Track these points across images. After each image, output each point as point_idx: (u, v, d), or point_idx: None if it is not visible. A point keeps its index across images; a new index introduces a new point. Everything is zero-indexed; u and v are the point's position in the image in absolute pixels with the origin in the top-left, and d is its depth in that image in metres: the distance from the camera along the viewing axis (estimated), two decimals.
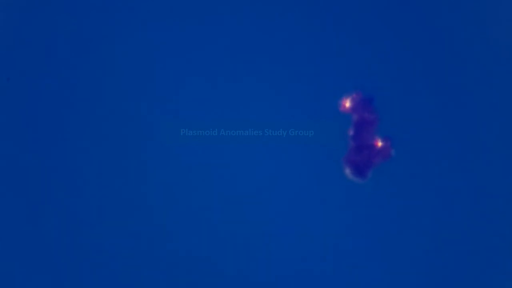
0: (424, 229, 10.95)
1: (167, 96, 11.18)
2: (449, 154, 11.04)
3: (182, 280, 10.95)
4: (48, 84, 11.23)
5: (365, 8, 11.29)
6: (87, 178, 11.06)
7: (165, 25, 11.31)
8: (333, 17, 11.31)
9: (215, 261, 10.96)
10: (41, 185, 11.07)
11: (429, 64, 11.18)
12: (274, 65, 11.22)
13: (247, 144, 11.09)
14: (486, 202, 10.94)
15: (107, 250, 10.96)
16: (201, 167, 11.08)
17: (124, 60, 11.24)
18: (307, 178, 11.03)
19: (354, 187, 11.01)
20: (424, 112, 11.09)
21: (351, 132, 10.96)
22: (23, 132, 11.16)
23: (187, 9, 11.34)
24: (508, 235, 10.91)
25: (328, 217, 10.98)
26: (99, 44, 11.28)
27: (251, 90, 11.17)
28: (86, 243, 10.98)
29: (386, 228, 10.97)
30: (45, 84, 11.23)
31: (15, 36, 11.31)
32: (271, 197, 11.01)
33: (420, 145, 11.02)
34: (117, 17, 11.33)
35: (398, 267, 10.91)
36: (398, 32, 11.25)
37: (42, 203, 11.04)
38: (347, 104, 11.02)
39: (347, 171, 10.91)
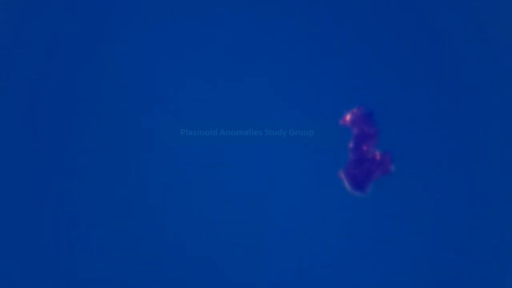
0: (423, 234, 10.94)
1: (167, 96, 11.17)
2: (451, 168, 11.02)
3: (182, 280, 10.94)
4: (48, 84, 11.24)
5: (372, 15, 11.28)
6: (87, 178, 11.06)
7: (165, 25, 11.30)
8: (334, 17, 11.30)
9: (215, 261, 10.95)
10: (41, 185, 11.07)
11: (435, 78, 11.16)
12: (274, 65, 11.21)
13: (247, 144, 11.08)
14: (488, 218, 10.93)
15: (107, 250, 10.96)
16: (201, 167, 11.07)
17: (124, 60, 11.24)
18: (308, 178, 11.02)
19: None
20: (427, 126, 11.07)
21: (351, 145, 10.95)
22: (23, 132, 11.16)
23: (187, 9, 11.34)
24: (509, 251, 10.90)
25: (328, 217, 10.98)
26: (99, 44, 11.29)
27: (251, 90, 11.16)
28: (86, 243, 10.98)
29: (386, 229, 10.96)
30: (45, 84, 11.24)
31: (15, 36, 11.31)
32: (271, 197, 11.01)
33: (421, 160, 11.01)
34: (117, 17, 11.33)
35: (397, 271, 10.90)
36: (405, 44, 11.23)
37: (42, 203, 11.05)
38: (348, 117, 11.01)
39: (346, 185, 10.89)
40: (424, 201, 10.94)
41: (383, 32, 11.24)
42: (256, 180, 11.02)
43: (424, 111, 11.09)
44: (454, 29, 11.23)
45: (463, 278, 10.85)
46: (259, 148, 11.07)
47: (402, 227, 10.92)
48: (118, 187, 11.03)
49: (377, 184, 10.97)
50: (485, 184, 10.95)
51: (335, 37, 11.24)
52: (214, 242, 10.95)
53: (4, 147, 11.13)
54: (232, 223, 10.98)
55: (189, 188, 11.03)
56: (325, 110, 11.12)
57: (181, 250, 10.95)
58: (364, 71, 11.18)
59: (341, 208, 10.97)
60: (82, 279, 10.95)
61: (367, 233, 10.93)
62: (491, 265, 10.87)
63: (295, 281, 10.91)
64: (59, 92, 11.22)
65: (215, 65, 11.22)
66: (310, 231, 10.95)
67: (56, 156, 11.10)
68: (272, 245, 10.93)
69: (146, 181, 11.04)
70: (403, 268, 10.88)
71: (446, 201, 10.94)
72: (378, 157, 10.89)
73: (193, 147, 11.10)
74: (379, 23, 11.26)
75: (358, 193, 10.90)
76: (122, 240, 10.96)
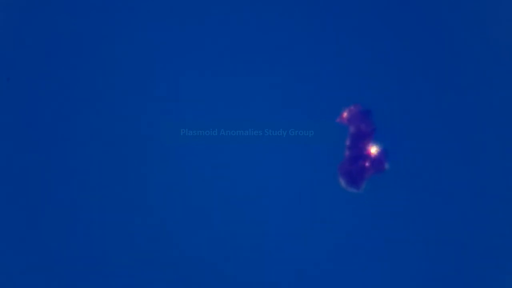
0: (420, 231, 10.94)
1: (167, 96, 11.17)
2: (447, 165, 11.03)
3: (183, 280, 10.94)
4: (48, 84, 11.23)
5: (371, 13, 11.28)
6: (87, 177, 11.06)
7: (165, 25, 11.30)
8: (334, 17, 11.30)
9: (215, 261, 10.95)
10: (41, 185, 11.07)
11: (432, 77, 11.17)
12: (274, 65, 11.21)
13: (247, 144, 11.08)
14: (484, 215, 10.93)
15: (107, 250, 10.96)
16: (201, 167, 11.07)
17: (124, 60, 11.24)
18: (308, 178, 11.02)
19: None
20: (423, 124, 11.08)
21: (347, 143, 10.97)
22: (23, 132, 11.16)
23: (187, 9, 11.34)
24: (509, 253, 10.91)
25: (328, 217, 10.98)
26: (99, 44, 11.28)
27: (251, 90, 11.16)
28: (86, 243, 10.97)
29: (386, 230, 10.97)
30: (45, 84, 11.23)
31: (15, 36, 11.30)
32: (271, 197, 11.01)
33: (416, 158, 11.01)
34: (117, 17, 11.33)
35: (394, 268, 10.91)
36: (404, 42, 11.24)
37: (42, 203, 11.04)
38: (345, 115, 11.02)
39: (342, 181, 10.91)
40: (421, 199, 10.95)
41: (380, 30, 11.24)
42: (256, 180, 11.02)
43: (421, 110, 11.09)
44: (451, 25, 11.23)
45: (461, 275, 10.85)
46: (259, 148, 11.07)
47: (400, 225, 10.93)
48: (118, 187, 11.03)
49: (374, 182, 10.98)
50: (481, 182, 10.95)
51: (334, 37, 11.24)
52: (215, 241, 10.95)
53: (4, 147, 11.13)
54: (232, 222, 10.98)
55: (189, 188, 11.03)
56: (325, 110, 11.12)
57: (181, 250, 10.95)
58: (363, 70, 11.18)
59: (340, 208, 10.97)
60: (82, 279, 10.95)
61: (366, 232, 10.93)
62: (488, 262, 10.87)
63: (295, 281, 10.91)
64: (59, 92, 11.22)
65: (215, 65, 11.22)
66: (310, 231, 10.95)
67: (56, 156, 11.10)
68: (272, 245, 10.93)
69: (146, 181, 11.04)
70: (400, 265, 10.89)
71: (441, 199, 10.94)
72: (373, 155, 10.92)
73: (193, 147, 11.10)
74: (377, 22, 11.26)
75: (353, 189, 10.92)
76: (122, 240, 10.96)
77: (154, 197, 11.02)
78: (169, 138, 11.10)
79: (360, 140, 10.96)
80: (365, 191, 10.98)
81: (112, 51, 11.25)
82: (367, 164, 10.90)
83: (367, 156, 10.92)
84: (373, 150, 10.93)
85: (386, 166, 10.94)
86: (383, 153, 10.95)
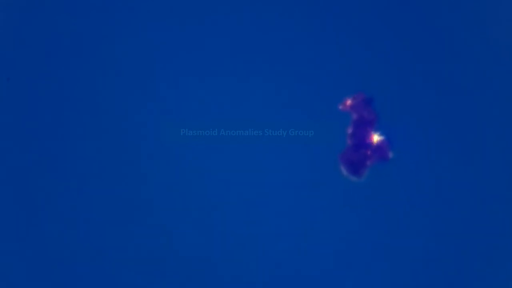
0: (421, 228, 10.94)
1: (167, 96, 11.17)
2: (450, 156, 11.03)
3: (183, 280, 10.94)
4: (48, 84, 11.24)
5: (367, 8, 11.28)
6: (87, 178, 11.06)
7: (165, 25, 11.30)
8: (334, 16, 11.30)
9: (216, 261, 10.95)
10: (41, 185, 11.07)
11: (433, 68, 11.16)
12: (274, 65, 11.21)
13: (247, 144, 11.08)
14: (486, 207, 10.92)
15: (106, 250, 10.96)
16: (201, 167, 11.07)
17: (124, 59, 11.24)
18: (308, 178, 11.02)
19: (355, 188, 11.00)
20: (425, 114, 11.08)
21: (349, 131, 10.97)
22: (23, 132, 11.16)
23: (187, 9, 11.34)
24: (508, 241, 10.90)
25: (328, 217, 10.98)
26: (99, 44, 11.29)
27: (251, 90, 11.16)
28: (85, 243, 10.98)
29: (386, 230, 10.96)
30: (45, 84, 11.24)
31: (15, 36, 11.31)
32: (272, 197, 11.01)
33: (420, 146, 11.01)
34: (117, 17, 11.34)
35: (397, 268, 10.90)
36: (401, 33, 11.23)
37: (42, 203, 11.05)
38: (348, 102, 11.02)
39: (343, 169, 10.91)
40: (423, 189, 10.94)
41: (381, 25, 11.24)
42: (256, 180, 11.02)
43: (423, 99, 11.09)
44: (454, 14, 11.23)
45: (460, 269, 10.85)
46: (259, 148, 11.07)
47: (402, 218, 10.92)
48: (118, 187, 11.03)
49: (377, 185, 10.98)
50: (487, 171, 10.95)
51: (334, 35, 11.24)
52: (215, 241, 10.95)
53: (4, 147, 11.13)
54: (232, 222, 10.98)
55: (189, 188, 11.03)
56: (325, 110, 11.12)
57: (181, 250, 10.95)
58: (363, 70, 11.18)
59: (341, 208, 10.97)
60: (82, 278, 10.95)
61: (366, 232, 10.93)
62: (490, 257, 10.86)
63: (295, 280, 10.91)
64: (59, 92, 11.22)
65: (215, 65, 11.22)
66: (311, 231, 10.95)
67: (56, 155, 11.11)
68: (273, 245, 10.93)
69: (146, 181, 11.04)
70: (402, 258, 10.89)
71: (443, 189, 10.93)
72: (376, 143, 10.92)
73: (193, 147, 11.10)
74: (377, 17, 11.26)
75: (354, 178, 10.92)
76: (122, 240, 10.96)
77: (154, 197, 11.02)
78: (169, 138, 11.10)
79: (363, 128, 10.95)
80: (365, 191, 10.98)
81: (112, 51, 11.26)
82: (369, 152, 10.90)
83: (370, 144, 10.92)
84: (376, 138, 10.93)
85: (391, 154, 10.93)
86: (386, 142, 10.94)
